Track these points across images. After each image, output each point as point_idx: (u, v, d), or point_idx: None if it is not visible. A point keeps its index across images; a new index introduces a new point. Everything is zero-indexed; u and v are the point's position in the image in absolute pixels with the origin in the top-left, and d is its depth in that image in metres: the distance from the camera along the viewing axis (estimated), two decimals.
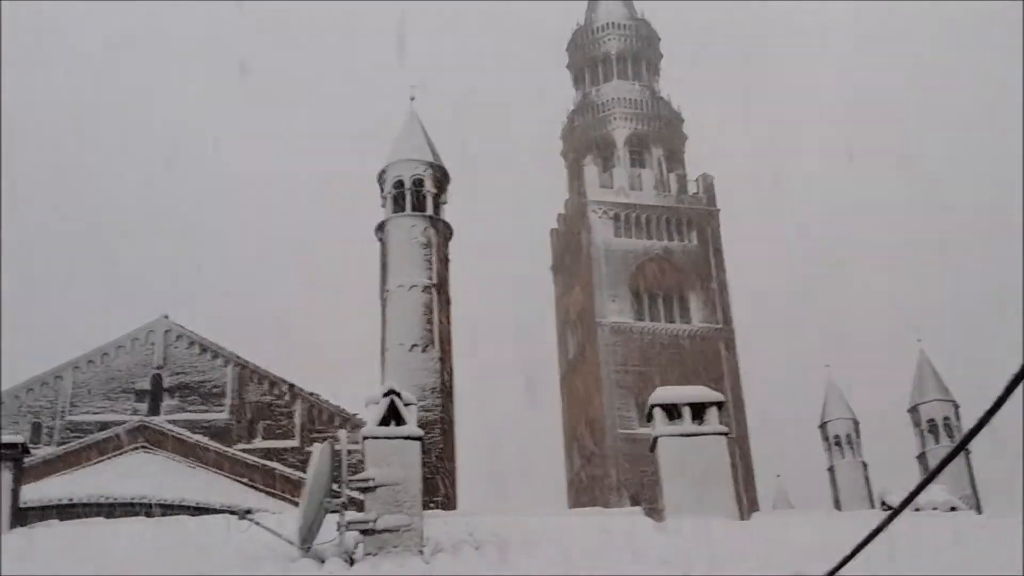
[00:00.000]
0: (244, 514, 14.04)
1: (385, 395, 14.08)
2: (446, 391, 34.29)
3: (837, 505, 58.72)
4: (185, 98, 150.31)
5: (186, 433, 34.49)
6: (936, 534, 13.92)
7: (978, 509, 40.52)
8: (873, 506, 43.90)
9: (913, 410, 60.22)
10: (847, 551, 7.98)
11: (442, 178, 37.30)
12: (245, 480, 33.58)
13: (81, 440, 34.28)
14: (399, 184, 36.71)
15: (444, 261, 36.27)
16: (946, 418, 58.94)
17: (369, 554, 13.26)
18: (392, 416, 13.92)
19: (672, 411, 15.97)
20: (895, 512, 6.98)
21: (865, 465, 62.38)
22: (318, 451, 13.56)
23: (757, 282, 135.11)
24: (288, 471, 34.11)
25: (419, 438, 13.96)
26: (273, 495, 32.71)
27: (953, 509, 17.88)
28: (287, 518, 14.36)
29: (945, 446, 56.98)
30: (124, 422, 34.73)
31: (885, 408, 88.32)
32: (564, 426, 77.86)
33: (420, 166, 36.95)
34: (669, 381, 56.86)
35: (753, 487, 67.87)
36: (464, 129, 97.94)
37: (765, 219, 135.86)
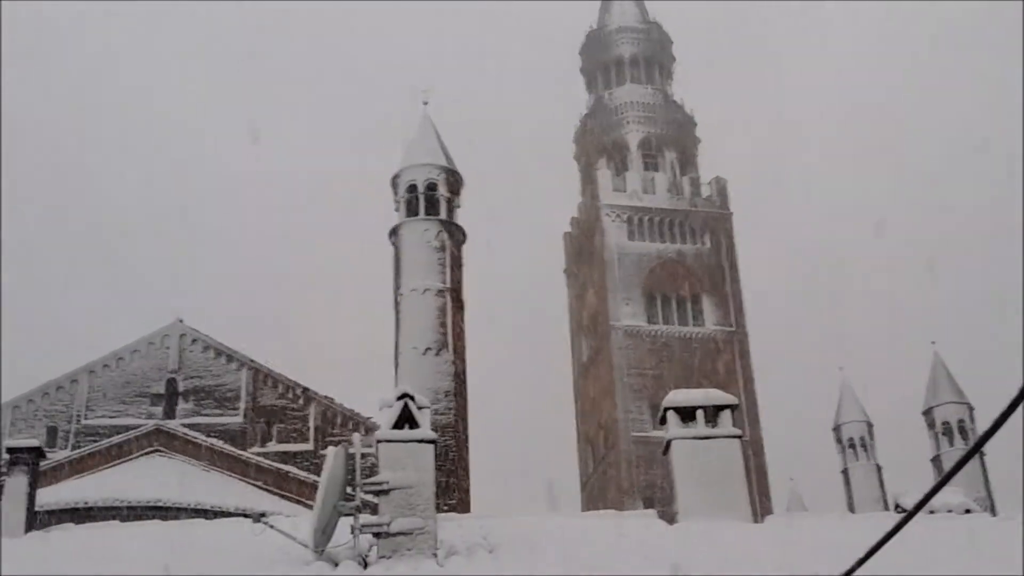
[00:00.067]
0: (258, 517, 14.08)
1: (399, 398, 14.09)
2: (459, 394, 34.32)
3: (851, 508, 58.56)
4: (185, 98, 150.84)
5: (201, 437, 34.58)
6: (951, 536, 13.89)
7: (993, 511, 40.35)
8: (887, 509, 43.78)
9: (927, 412, 60.04)
10: (861, 554, 7.97)
11: (455, 182, 37.35)
12: (259, 483, 33.65)
13: (96, 444, 34.40)
14: (412, 188, 36.78)
15: (458, 265, 36.32)
16: (960, 420, 58.75)
17: (383, 557, 13.28)
18: (406, 419, 13.93)
19: (686, 414, 15.97)
20: (910, 515, 6.97)
21: (879, 468, 62.18)
22: (332, 454, 13.59)
23: (770, 284, 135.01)
24: (302, 474, 34.17)
25: (433, 441, 13.98)
26: (287, 498, 32.77)
27: (968, 511, 17.83)
28: (301, 521, 14.39)
29: (960, 448, 56.80)
30: (139, 426, 34.83)
31: (899, 411, 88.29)
32: (577, 429, 77.79)
33: (434, 170, 37.01)
34: (682, 384, 56.78)
35: (767, 490, 67.66)
36: (476, 132, 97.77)
37: (777, 221, 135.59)
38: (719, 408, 15.97)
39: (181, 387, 36.64)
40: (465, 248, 37.08)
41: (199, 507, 28.90)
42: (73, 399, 36.42)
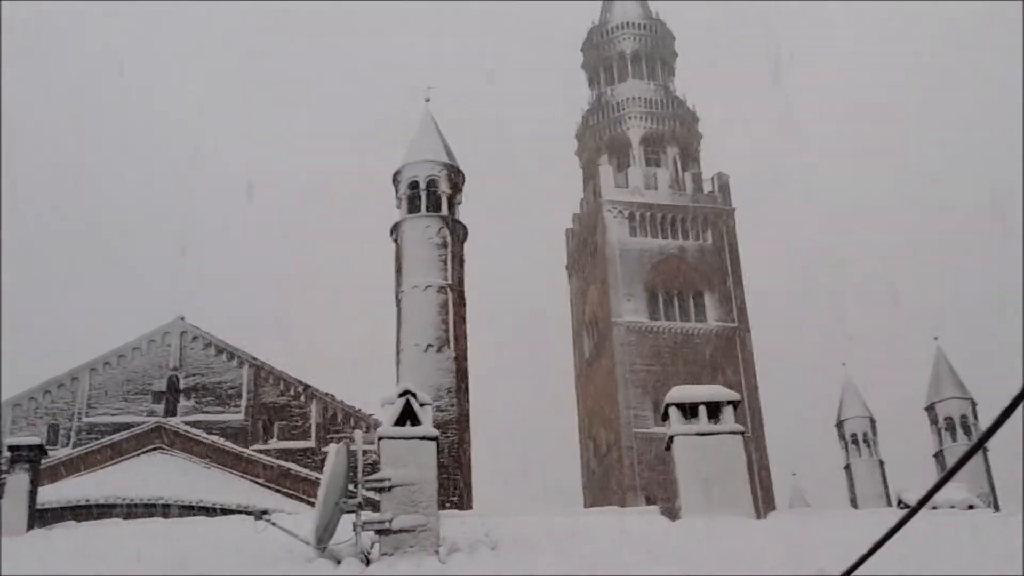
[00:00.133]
0: (260, 515, 14.05)
1: (400, 395, 14.07)
2: (461, 391, 34.30)
3: (854, 504, 58.54)
4: (185, 98, 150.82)
5: (202, 434, 34.61)
6: (954, 533, 13.86)
7: (996, 507, 40.37)
8: (890, 505, 43.73)
9: (930, 408, 59.97)
10: (864, 550, 7.94)
11: (457, 179, 37.30)
12: (261, 481, 33.67)
13: (98, 441, 34.42)
14: (414, 185, 36.73)
15: (459, 261, 36.28)
16: (963, 416, 58.69)
17: (385, 554, 13.26)
18: (408, 416, 13.91)
19: (688, 410, 15.94)
20: (912, 511, 6.93)
21: (882, 463, 62.18)
22: (334, 451, 13.56)
23: (772, 281, 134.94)
24: (304, 471, 34.18)
25: (435, 438, 13.95)
26: (289, 496, 32.78)
27: (971, 507, 17.78)
28: (303, 518, 14.37)
29: (962, 444, 56.74)
30: (141, 423, 34.86)
31: (902, 406, 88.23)
32: (580, 425, 77.82)
33: (435, 167, 36.96)
34: (685, 380, 56.83)
35: (769, 486, 67.63)
36: (477, 130, 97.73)
37: (778, 220, 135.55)
38: (721, 404, 15.95)
39: (182, 384, 36.66)
40: (467, 245, 37.06)
41: (201, 505, 28.91)
42: (74, 397, 36.45)
